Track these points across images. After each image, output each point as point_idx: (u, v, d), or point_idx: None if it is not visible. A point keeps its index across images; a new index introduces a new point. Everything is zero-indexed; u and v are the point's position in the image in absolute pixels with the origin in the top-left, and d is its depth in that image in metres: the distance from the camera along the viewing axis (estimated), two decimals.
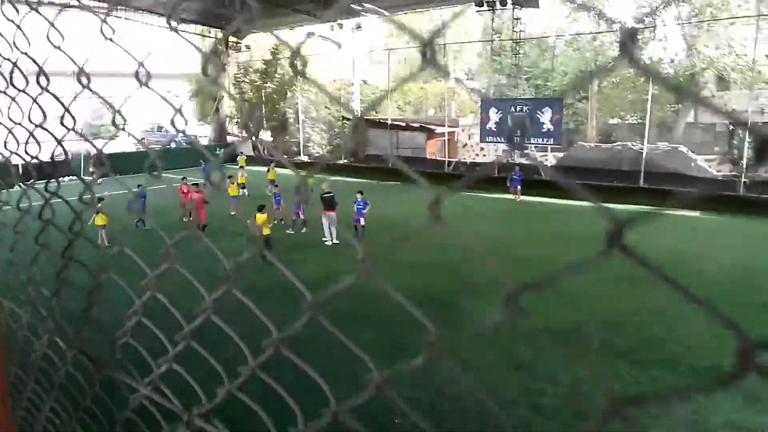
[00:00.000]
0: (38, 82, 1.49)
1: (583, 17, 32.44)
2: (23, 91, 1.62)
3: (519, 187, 22.31)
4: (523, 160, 23.59)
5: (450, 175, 27.33)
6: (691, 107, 30.72)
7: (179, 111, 1.12)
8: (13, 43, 1.54)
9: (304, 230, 16.84)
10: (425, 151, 31.34)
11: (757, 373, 0.50)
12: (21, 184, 1.71)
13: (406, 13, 33.36)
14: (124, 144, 32.10)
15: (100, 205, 14.44)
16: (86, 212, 1.52)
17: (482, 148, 31.13)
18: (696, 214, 18.43)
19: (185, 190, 18.49)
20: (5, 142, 1.82)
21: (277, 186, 18.80)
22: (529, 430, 6.60)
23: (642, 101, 26.26)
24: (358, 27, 32.53)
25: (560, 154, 27.74)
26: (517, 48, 28.25)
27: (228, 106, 40.52)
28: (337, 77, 37.72)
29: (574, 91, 32.83)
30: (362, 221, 15.96)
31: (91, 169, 27.16)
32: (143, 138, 37.85)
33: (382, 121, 32.65)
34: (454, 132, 33.75)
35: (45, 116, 1.58)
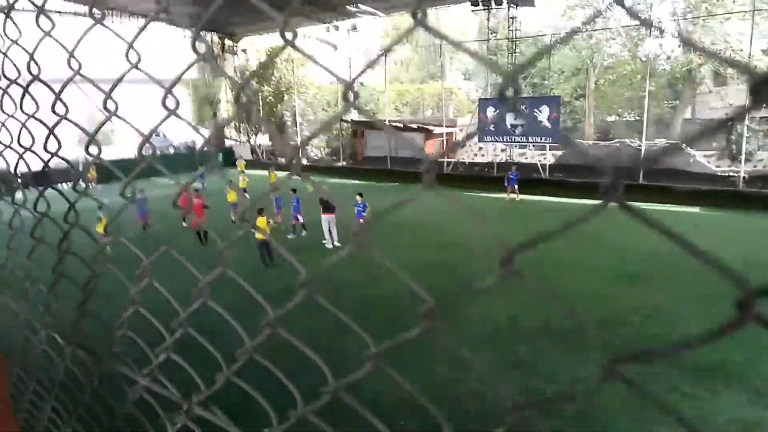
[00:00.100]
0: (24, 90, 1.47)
1: (578, 15, 32.47)
2: (20, 82, 1.61)
3: (516, 186, 22.29)
4: (521, 159, 23.61)
5: (449, 175, 27.34)
6: (689, 103, 30.76)
7: (208, 142, 1.10)
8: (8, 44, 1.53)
9: (304, 233, 16.81)
10: (424, 152, 31.38)
11: (757, 322, 0.48)
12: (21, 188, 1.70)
13: (402, 14, 33.36)
14: (122, 151, 32.06)
15: (101, 213, 14.39)
16: (89, 217, 1.50)
17: (480, 148, 31.13)
18: (696, 209, 18.44)
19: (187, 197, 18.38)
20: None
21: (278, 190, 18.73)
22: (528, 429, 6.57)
23: (639, 98, 26.30)
24: (354, 28, 32.55)
25: (559, 152, 27.76)
26: (514, 47, 28.25)
27: (226, 111, 40.52)
28: (333, 79, 37.78)
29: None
30: (362, 222, 15.95)
31: (90, 175, 27.16)
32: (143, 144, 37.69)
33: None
34: (452, 132, 33.77)
35: (52, 131, 1.57)
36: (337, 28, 32.96)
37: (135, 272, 1.30)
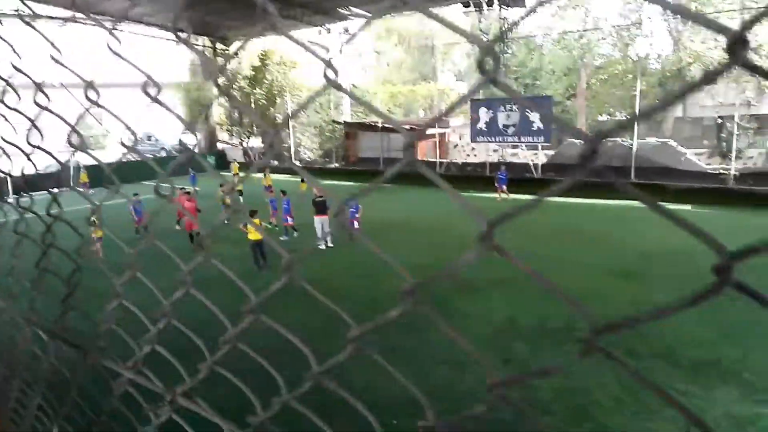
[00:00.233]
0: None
1: (569, 15, 32.62)
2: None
3: (505, 186, 22.35)
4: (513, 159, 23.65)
5: (441, 175, 27.33)
6: (680, 102, 30.91)
7: (191, 130, 1.09)
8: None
9: (295, 234, 16.78)
10: (416, 152, 31.38)
11: (735, 289, 0.48)
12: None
13: (394, 17, 33.40)
14: (113, 154, 31.95)
15: (94, 217, 14.24)
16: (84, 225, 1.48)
17: (473, 149, 31.18)
18: (687, 207, 18.52)
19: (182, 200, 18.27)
20: None
21: (272, 191, 18.73)
22: (523, 425, 6.57)
23: (630, 97, 26.43)
24: (346, 31, 32.55)
25: (551, 152, 27.86)
26: (505, 48, 28.33)
27: (217, 114, 40.42)
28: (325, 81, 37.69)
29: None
30: (356, 224, 15.95)
31: (83, 179, 27.02)
32: (133, 147, 37.54)
33: (372, 124, 32.65)
34: (444, 133, 33.80)
35: (42, 135, 1.56)
36: (329, 30, 32.96)
37: (122, 266, 1.29)
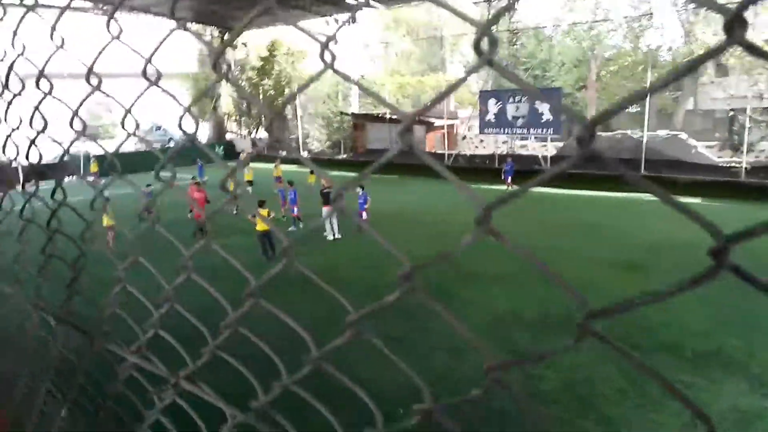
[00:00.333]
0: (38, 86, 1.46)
1: (579, 6, 32.29)
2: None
3: (510, 178, 22.26)
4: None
5: (449, 167, 27.29)
6: (691, 94, 30.62)
7: (188, 111, 1.09)
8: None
9: (301, 225, 16.80)
10: (425, 144, 31.30)
11: (730, 271, 0.47)
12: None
13: (401, 6, 33.24)
14: (124, 144, 32.03)
15: (105, 205, 14.33)
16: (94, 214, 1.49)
17: (482, 140, 31.05)
18: (697, 200, 18.38)
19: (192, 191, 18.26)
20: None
21: (282, 182, 18.76)
22: (518, 415, 6.58)
23: (641, 89, 26.18)
24: (354, 21, 32.40)
25: (560, 144, 27.70)
26: (514, 39, 28.12)
27: (226, 104, 40.48)
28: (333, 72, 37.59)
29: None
30: (364, 215, 15.96)
31: (93, 169, 27.18)
32: (142, 138, 37.68)
33: (380, 115, 32.58)
34: (453, 125, 33.68)
35: (46, 123, 1.56)
36: (336, 21, 32.83)
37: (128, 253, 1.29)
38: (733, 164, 21.81)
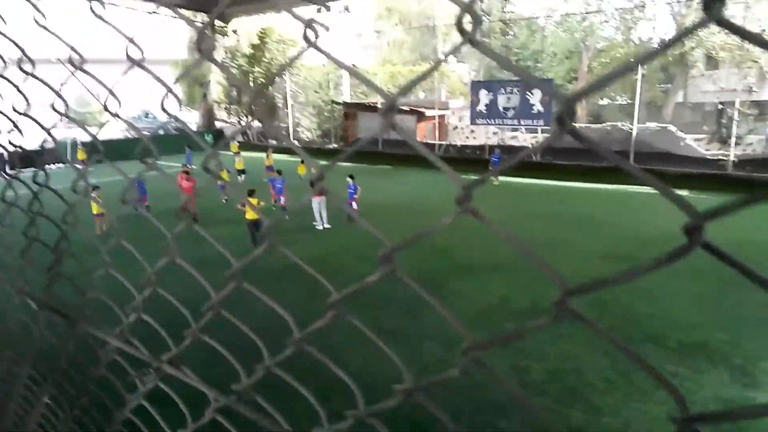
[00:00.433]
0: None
1: None
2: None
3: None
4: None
5: (441, 158, 27.24)
6: (681, 87, 30.78)
7: (170, 90, 1.07)
8: None
9: (287, 217, 16.71)
10: (416, 134, 31.25)
11: (703, 249, 0.48)
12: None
13: None
14: (110, 131, 31.74)
15: (95, 194, 14.24)
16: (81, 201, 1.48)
17: (472, 131, 31.05)
18: (685, 192, 18.52)
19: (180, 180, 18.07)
20: None
21: (273, 171, 18.68)
22: (515, 406, 6.64)
23: (631, 81, 26.26)
24: (346, 9, 32.19)
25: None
26: (507, 29, 28.07)
27: (216, 92, 40.14)
28: (325, 61, 37.42)
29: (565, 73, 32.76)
30: (354, 205, 15.93)
31: (80, 156, 26.86)
32: (128, 121, 37.31)
33: (371, 104, 32.47)
34: (444, 115, 33.64)
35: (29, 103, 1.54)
36: (328, 8, 32.58)
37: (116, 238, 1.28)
38: (720, 157, 21.96)
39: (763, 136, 23.85)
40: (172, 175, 19.77)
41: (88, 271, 1.46)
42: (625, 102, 31.24)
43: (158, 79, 1.01)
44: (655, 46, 22.26)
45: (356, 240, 13.62)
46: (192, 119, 41.21)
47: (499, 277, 10.97)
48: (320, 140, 36.13)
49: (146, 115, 43.16)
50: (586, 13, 30.90)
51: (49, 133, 1.37)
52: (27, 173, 1.55)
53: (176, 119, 1.02)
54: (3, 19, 1.43)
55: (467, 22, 0.59)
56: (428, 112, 31.68)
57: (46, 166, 1.58)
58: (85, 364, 1.63)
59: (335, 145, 34.30)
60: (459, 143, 30.43)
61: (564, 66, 34.61)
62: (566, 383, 7.14)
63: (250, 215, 13.50)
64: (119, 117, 1.15)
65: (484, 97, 25.47)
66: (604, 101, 33.25)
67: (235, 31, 38.13)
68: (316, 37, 0.73)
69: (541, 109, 23.70)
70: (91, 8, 1.03)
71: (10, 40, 1.33)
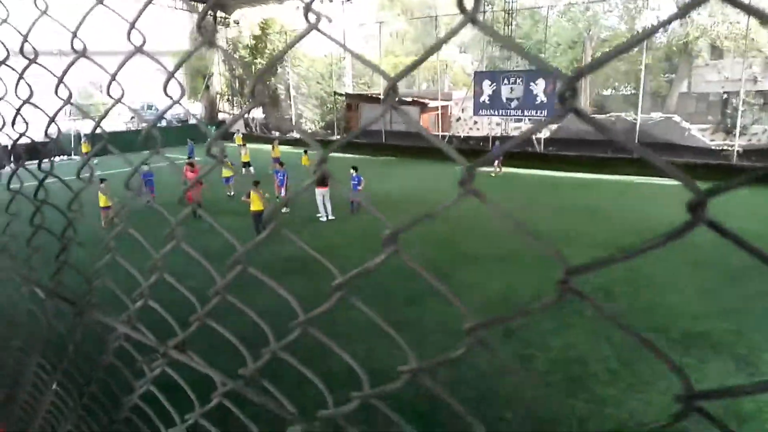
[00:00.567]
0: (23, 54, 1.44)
1: None
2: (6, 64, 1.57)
3: (496, 161, 22.15)
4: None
5: None
6: (685, 77, 30.59)
7: (172, 76, 1.07)
8: None
9: (284, 210, 16.66)
10: (419, 124, 31.14)
11: (706, 226, 0.48)
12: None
13: None
14: (113, 123, 31.81)
15: (103, 185, 14.28)
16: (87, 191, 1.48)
17: (475, 122, 30.94)
18: None
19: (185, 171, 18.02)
20: None
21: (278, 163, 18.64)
22: (520, 396, 6.68)
23: (635, 71, 26.13)
24: (349, 0, 32.03)
25: (554, 126, 27.65)
26: (510, 19, 27.89)
27: (219, 84, 40.07)
28: (327, 52, 37.31)
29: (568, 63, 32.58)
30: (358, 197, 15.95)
31: (84, 149, 26.89)
32: (133, 117, 37.44)
33: (374, 96, 32.38)
34: (447, 106, 33.52)
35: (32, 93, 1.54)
36: (331, 0, 32.42)
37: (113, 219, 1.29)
38: (725, 147, 21.86)
39: None
40: (179, 165, 19.82)
41: (94, 260, 1.47)
42: (629, 92, 31.10)
43: (161, 65, 1.02)
44: (658, 35, 22.01)
45: (360, 231, 13.65)
46: (194, 111, 41.16)
47: (502, 268, 10.98)
48: (323, 132, 36.07)
49: (149, 107, 43.16)
50: (590, 2, 30.66)
51: (53, 121, 1.38)
52: (32, 166, 1.56)
53: (179, 104, 1.02)
54: (5, 7, 1.43)
55: (469, 1, 0.59)
56: (431, 103, 31.57)
57: (43, 162, 1.59)
58: (92, 351, 1.65)
59: (338, 137, 34.25)
60: (462, 134, 30.34)
61: (567, 56, 34.41)
62: (570, 373, 7.16)
63: (255, 206, 13.55)
64: (123, 103, 1.15)
65: (487, 87, 25.35)
66: (608, 91, 33.09)
67: (237, 22, 38.01)
68: (318, 21, 0.73)
69: (544, 99, 23.59)
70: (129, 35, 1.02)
71: (15, 29, 1.33)
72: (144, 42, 1.02)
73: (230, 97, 40.05)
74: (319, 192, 15.36)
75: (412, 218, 0.69)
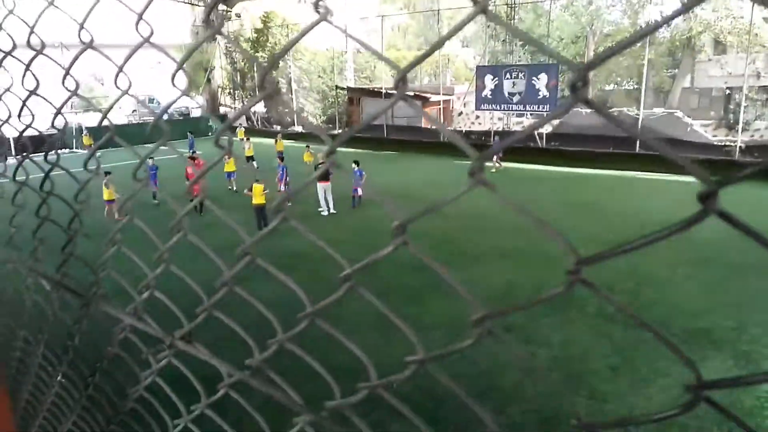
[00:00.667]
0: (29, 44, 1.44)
1: None
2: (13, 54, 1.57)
3: (495, 156, 22.09)
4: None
5: (446, 143, 27.20)
6: (688, 72, 30.49)
7: (181, 66, 1.07)
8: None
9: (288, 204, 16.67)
10: (420, 120, 31.11)
11: (717, 216, 0.48)
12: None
13: None
14: (114, 116, 31.76)
15: (106, 179, 14.30)
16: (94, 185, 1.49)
17: (477, 117, 30.88)
18: (691, 179, 18.37)
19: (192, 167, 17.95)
20: None
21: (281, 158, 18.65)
22: (521, 392, 6.69)
23: (638, 66, 26.03)
24: None
25: (556, 121, 27.60)
26: (513, 13, 27.81)
27: (220, 77, 40.01)
28: (329, 46, 37.23)
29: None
30: (359, 191, 15.94)
31: (86, 142, 26.92)
32: (134, 110, 37.42)
33: (376, 90, 32.31)
34: (449, 100, 33.46)
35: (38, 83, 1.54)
36: None
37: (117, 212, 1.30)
38: (727, 143, 21.80)
39: None
40: (182, 157, 19.80)
41: (100, 252, 1.48)
42: (631, 87, 31.01)
43: (169, 56, 1.02)
44: (662, 30, 21.91)
45: (362, 226, 13.65)
46: (195, 105, 41.11)
47: (505, 265, 10.99)
48: (325, 126, 36.02)
49: (150, 100, 43.11)
50: None
51: (59, 112, 1.38)
52: (38, 158, 1.57)
53: (188, 95, 1.02)
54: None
55: None
56: (433, 98, 31.51)
57: (50, 154, 1.59)
58: (98, 343, 1.66)
59: (340, 131, 34.22)
60: (464, 129, 30.29)
61: (570, 51, 34.29)
62: (571, 369, 7.18)
63: (257, 200, 13.58)
64: (131, 95, 1.15)
65: (490, 82, 25.29)
66: (611, 86, 33.00)
67: (238, 15, 37.91)
68: (328, 12, 0.73)
69: (546, 94, 23.53)
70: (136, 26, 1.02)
71: (22, 20, 1.33)
72: (152, 33, 1.02)
73: (232, 91, 39.99)
74: (321, 186, 15.36)
75: (423, 208, 0.69)
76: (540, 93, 23.70)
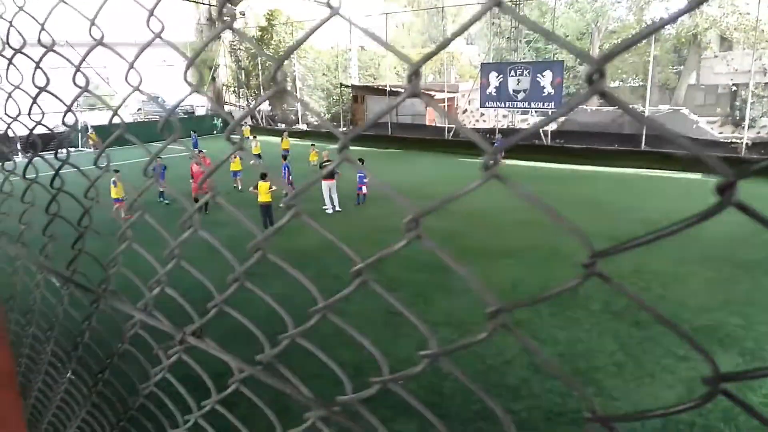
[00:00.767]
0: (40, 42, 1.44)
1: None
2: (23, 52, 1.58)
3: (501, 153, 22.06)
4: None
5: (450, 141, 27.18)
6: (694, 68, 30.34)
7: (192, 63, 1.07)
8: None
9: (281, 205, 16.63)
10: (425, 117, 31.09)
11: (736, 207, 0.48)
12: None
13: None
14: (122, 115, 31.81)
15: (115, 178, 14.32)
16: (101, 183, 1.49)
17: (482, 114, 30.83)
18: (697, 176, 18.36)
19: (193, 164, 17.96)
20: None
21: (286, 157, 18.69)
22: (528, 388, 6.68)
23: (644, 63, 25.93)
24: None
25: (561, 119, 27.53)
26: (518, 10, 27.70)
27: (224, 75, 40.07)
28: (333, 43, 37.23)
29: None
30: (364, 189, 15.95)
31: (91, 141, 27.01)
32: (139, 109, 37.51)
33: (380, 87, 32.29)
34: (453, 97, 33.41)
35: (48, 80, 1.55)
36: None
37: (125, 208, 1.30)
38: (733, 140, 21.69)
39: None
40: (186, 156, 19.85)
41: (110, 249, 1.48)
42: (637, 84, 30.88)
43: (180, 53, 1.02)
44: (667, 27, 21.76)
45: (367, 223, 13.65)
46: (201, 103, 41.21)
47: (509, 262, 10.97)
48: (329, 123, 35.97)
49: (155, 98, 43.17)
50: None
51: (70, 109, 1.39)
52: (47, 155, 1.57)
53: (199, 92, 1.03)
54: None
55: None
56: (437, 95, 31.47)
57: (60, 151, 1.60)
58: (108, 339, 1.67)
59: (344, 129, 34.20)
60: (468, 126, 30.26)
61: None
62: (577, 367, 7.17)
63: (263, 198, 13.61)
64: (141, 90, 1.16)
65: (494, 79, 25.23)
66: (616, 83, 32.88)
67: (242, 13, 37.94)
68: (339, 7, 0.73)
69: (551, 91, 23.46)
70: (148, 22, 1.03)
71: (31, 17, 1.33)
72: (163, 28, 1.02)
73: (236, 89, 40.05)
74: (326, 184, 15.36)
75: (434, 203, 0.69)
76: (545, 90, 23.63)
